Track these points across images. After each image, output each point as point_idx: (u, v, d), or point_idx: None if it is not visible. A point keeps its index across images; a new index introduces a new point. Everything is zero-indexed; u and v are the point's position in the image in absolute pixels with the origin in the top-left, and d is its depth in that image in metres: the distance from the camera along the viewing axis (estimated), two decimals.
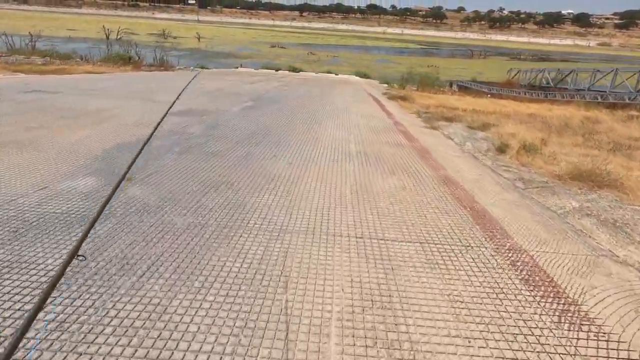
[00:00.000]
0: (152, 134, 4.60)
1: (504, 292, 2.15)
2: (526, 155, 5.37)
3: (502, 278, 2.29)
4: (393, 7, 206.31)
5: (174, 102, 7.68)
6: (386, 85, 19.15)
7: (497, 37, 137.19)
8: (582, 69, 19.87)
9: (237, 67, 24.12)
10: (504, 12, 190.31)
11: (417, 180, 4.10)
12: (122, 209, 2.88)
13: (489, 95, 17.87)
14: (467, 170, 4.62)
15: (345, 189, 3.68)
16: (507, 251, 2.64)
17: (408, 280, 2.21)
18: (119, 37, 30.64)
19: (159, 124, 4.96)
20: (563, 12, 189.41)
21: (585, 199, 3.74)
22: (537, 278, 2.31)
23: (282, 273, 2.21)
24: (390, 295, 2.06)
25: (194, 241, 2.50)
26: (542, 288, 2.21)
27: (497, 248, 2.67)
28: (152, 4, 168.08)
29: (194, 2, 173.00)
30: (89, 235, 2.46)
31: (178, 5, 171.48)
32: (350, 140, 5.75)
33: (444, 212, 3.25)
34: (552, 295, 2.15)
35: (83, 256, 2.20)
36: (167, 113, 5.75)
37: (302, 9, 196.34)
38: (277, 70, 23.27)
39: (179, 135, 5.20)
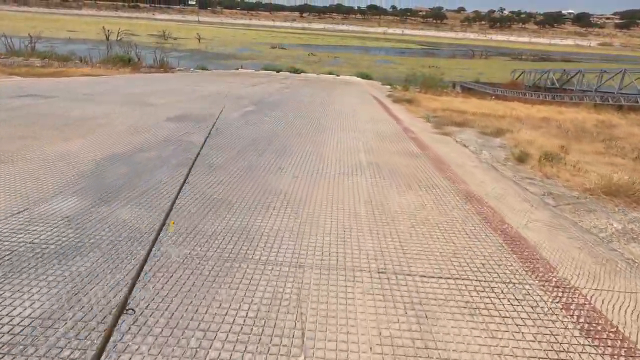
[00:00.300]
0: (194, 160, 4.10)
1: (564, 349, 1.78)
2: (549, 165, 5.00)
3: (557, 328, 1.92)
4: (393, 7, 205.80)
5: (222, 110, 7.34)
6: (389, 86, 18.79)
7: (498, 37, 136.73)
8: (587, 70, 19.49)
9: (237, 69, 23.79)
10: (504, 12, 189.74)
11: (436, 196, 3.73)
12: (110, 238, 2.52)
13: (493, 97, 17.47)
14: (489, 184, 4.24)
15: (359, 208, 3.31)
16: (555, 289, 2.26)
17: (447, 333, 1.84)
18: (118, 38, 30.38)
19: (197, 154, 4.45)
20: (563, 12, 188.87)
21: (626, 219, 3.37)
22: (599, 327, 1.94)
23: (295, 325, 1.84)
24: (429, 357, 1.69)
25: (190, 280, 2.14)
26: (609, 342, 1.84)
27: (543, 285, 2.30)
28: (153, 5, 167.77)
29: (194, 2, 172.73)
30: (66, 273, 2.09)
31: (178, 6, 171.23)
32: (360, 149, 5.39)
33: (473, 237, 2.88)
34: (624, 353, 1.78)
35: (132, 309, 1.84)
36: (208, 136, 5.32)
37: (302, 9, 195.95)
38: (278, 72, 22.97)
39: (176, 145, 4.84)
